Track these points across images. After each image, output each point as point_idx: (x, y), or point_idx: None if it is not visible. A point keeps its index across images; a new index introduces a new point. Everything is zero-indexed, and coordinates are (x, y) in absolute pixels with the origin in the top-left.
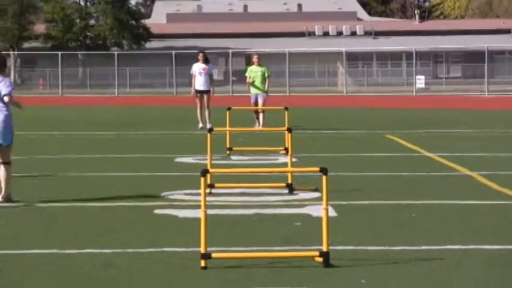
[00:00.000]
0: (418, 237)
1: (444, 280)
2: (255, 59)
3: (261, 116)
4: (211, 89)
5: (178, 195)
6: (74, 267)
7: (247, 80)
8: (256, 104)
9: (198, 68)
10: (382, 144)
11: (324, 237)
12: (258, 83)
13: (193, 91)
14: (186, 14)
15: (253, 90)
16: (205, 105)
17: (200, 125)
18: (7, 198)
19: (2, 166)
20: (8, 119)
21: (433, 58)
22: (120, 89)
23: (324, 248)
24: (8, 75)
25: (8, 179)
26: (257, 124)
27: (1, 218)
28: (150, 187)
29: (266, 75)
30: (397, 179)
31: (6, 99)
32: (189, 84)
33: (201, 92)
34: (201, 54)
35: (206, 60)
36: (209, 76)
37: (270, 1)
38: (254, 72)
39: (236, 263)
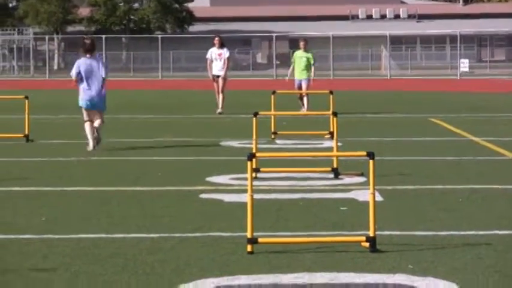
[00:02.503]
0: (465, 222)
1: (492, 266)
2: (301, 44)
3: (305, 99)
4: (224, 73)
5: (223, 179)
6: (121, 252)
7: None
8: (300, 88)
9: (214, 53)
10: (427, 128)
11: (370, 222)
12: (302, 68)
13: (210, 76)
14: None
15: (297, 75)
16: (220, 89)
17: (219, 109)
18: (99, 140)
19: (98, 120)
20: (105, 92)
21: (477, 41)
22: (164, 73)
23: (371, 233)
24: (96, 56)
25: (101, 128)
26: (303, 108)
27: (49, 202)
28: (196, 171)
29: (312, 62)
30: (443, 163)
31: (104, 76)
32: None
33: (217, 77)
34: (216, 39)
35: (222, 45)
36: (223, 61)
37: None
38: (299, 57)
39: (282, 248)
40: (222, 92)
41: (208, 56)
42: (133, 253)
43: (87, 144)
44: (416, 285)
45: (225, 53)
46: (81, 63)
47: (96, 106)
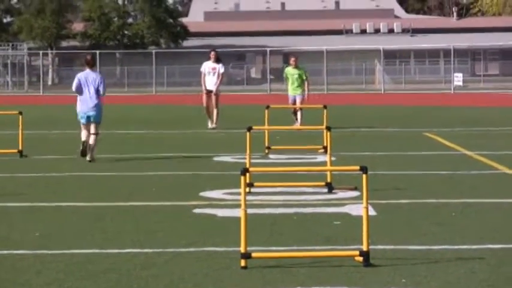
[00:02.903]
0: (458, 237)
1: (485, 280)
2: (292, 61)
3: (299, 114)
4: (216, 88)
5: (217, 194)
6: (115, 267)
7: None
8: (294, 103)
9: (207, 67)
10: (421, 142)
11: (364, 237)
12: (295, 84)
13: (204, 90)
14: (223, 12)
15: (291, 91)
16: (214, 105)
17: (209, 124)
18: (93, 158)
19: (92, 136)
20: (101, 104)
21: (470, 55)
22: (158, 88)
23: (364, 248)
24: (96, 71)
25: (96, 144)
26: (296, 123)
27: (43, 217)
28: (189, 186)
29: (304, 77)
30: (436, 178)
31: (102, 92)
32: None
33: (210, 92)
34: (212, 53)
35: (218, 60)
36: (217, 76)
37: None
38: (291, 75)
39: (276, 263)
40: (216, 107)
41: (202, 69)
42: (127, 268)
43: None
44: None
45: (220, 68)
46: (81, 77)
47: (93, 118)
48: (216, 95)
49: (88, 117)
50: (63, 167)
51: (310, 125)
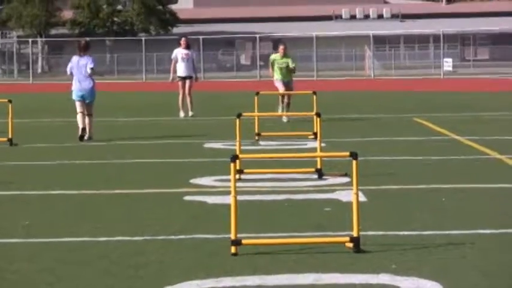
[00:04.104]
0: (449, 222)
1: (476, 265)
2: (281, 49)
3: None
4: (194, 76)
5: (207, 181)
6: (105, 255)
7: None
8: (285, 88)
9: (180, 53)
10: (411, 127)
11: (354, 223)
12: (284, 72)
13: (171, 77)
14: None
15: (281, 77)
16: (188, 92)
17: (182, 114)
18: (91, 137)
19: (87, 116)
20: (93, 85)
21: (460, 41)
22: (148, 75)
23: (355, 234)
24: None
25: (92, 124)
26: (280, 108)
27: (33, 206)
28: (180, 173)
29: (292, 66)
30: (427, 163)
31: (89, 71)
32: (178, 70)
33: (184, 79)
34: (183, 39)
35: (188, 46)
36: (192, 62)
37: None
38: (279, 63)
39: (266, 249)
40: (190, 94)
41: (173, 56)
42: (118, 256)
43: (78, 131)
44: (400, 285)
45: (192, 54)
46: (73, 61)
47: (86, 97)
48: (192, 81)
49: (82, 96)
50: (53, 155)
51: (300, 112)
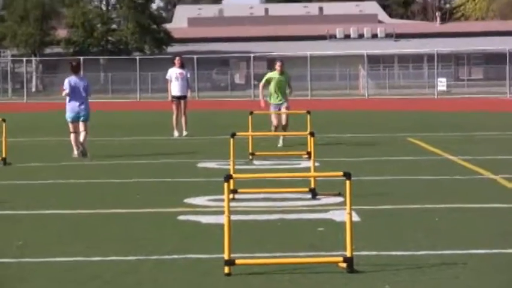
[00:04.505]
0: (442, 242)
1: (469, 285)
2: (278, 66)
3: (283, 117)
4: (188, 94)
5: (201, 200)
6: (99, 274)
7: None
8: (278, 115)
9: (174, 73)
10: (405, 147)
11: (347, 243)
12: (280, 94)
13: (169, 97)
14: (207, 18)
15: (275, 101)
16: (182, 111)
17: (176, 133)
18: (85, 153)
19: (83, 133)
20: (89, 105)
21: (454, 60)
22: (142, 94)
23: (348, 254)
24: (82, 75)
25: (86, 141)
26: (280, 142)
27: (27, 225)
28: (173, 193)
29: (287, 91)
30: (420, 183)
31: (88, 93)
32: (165, 90)
33: (178, 98)
34: (177, 59)
35: (182, 65)
36: (186, 81)
37: (291, 4)
38: (276, 81)
39: (260, 269)
40: (185, 113)
41: (168, 76)
42: (111, 276)
43: (73, 152)
44: None
45: (187, 73)
46: (71, 81)
47: (81, 117)
48: (187, 100)
49: (78, 117)
50: (47, 174)
51: (294, 131)
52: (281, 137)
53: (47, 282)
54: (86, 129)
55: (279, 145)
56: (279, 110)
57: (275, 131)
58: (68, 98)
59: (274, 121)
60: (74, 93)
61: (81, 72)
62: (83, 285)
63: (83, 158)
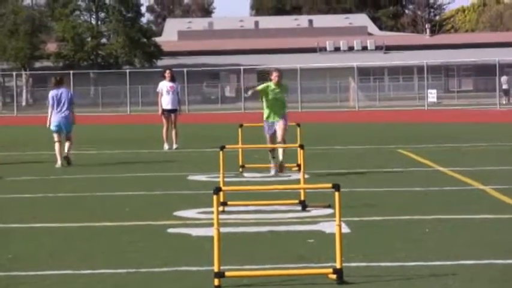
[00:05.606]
0: (432, 253)
1: None
2: (274, 76)
3: (280, 152)
4: (179, 108)
5: (191, 213)
6: None
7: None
8: (273, 135)
9: (165, 86)
10: (395, 159)
11: (337, 254)
12: (279, 106)
13: (160, 110)
14: (197, 31)
15: (271, 117)
16: (173, 124)
17: (166, 146)
18: (70, 162)
19: (67, 142)
20: (71, 116)
21: (444, 72)
22: (132, 107)
23: (338, 265)
24: (65, 87)
25: (71, 149)
26: (273, 167)
27: (16, 239)
28: (163, 206)
29: (286, 97)
30: (410, 194)
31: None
32: (156, 103)
33: (169, 111)
34: (168, 72)
35: (173, 78)
36: (177, 95)
37: (280, 17)
38: (274, 93)
39: (250, 281)
40: (175, 126)
41: (159, 89)
42: None
43: (56, 162)
44: None
45: (177, 86)
46: (53, 94)
47: (64, 127)
48: (177, 114)
49: (60, 127)
50: (37, 188)
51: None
52: (280, 153)
53: None
54: (70, 139)
55: (271, 173)
56: (274, 131)
57: (272, 155)
58: (50, 110)
59: (268, 140)
60: (56, 104)
61: (65, 85)
62: None
63: (67, 166)
